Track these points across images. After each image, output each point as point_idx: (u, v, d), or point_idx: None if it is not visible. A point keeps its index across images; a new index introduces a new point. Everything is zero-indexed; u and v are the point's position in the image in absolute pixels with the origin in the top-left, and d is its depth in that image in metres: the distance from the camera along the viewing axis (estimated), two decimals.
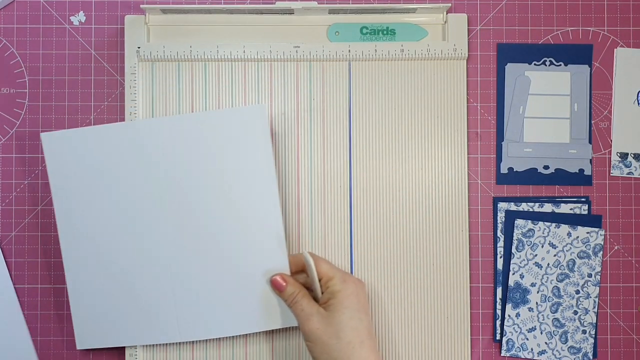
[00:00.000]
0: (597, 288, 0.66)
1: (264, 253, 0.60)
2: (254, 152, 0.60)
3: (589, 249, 0.66)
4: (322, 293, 0.59)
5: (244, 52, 0.65)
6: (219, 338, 0.64)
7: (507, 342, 0.65)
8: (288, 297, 0.59)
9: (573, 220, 0.66)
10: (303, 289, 0.59)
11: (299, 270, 0.61)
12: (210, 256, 0.61)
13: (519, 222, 0.66)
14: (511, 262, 0.66)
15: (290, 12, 0.65)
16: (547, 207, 0.66)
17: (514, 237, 0.66)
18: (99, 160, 0.61)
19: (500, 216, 0.66)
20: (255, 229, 0.60)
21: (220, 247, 0.61)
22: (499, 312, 0.66)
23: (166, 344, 0.64)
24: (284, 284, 0.59)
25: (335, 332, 0.56)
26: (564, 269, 0.66)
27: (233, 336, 0.64)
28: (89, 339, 0.62)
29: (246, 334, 0.64)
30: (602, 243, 0.66)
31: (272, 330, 0.64)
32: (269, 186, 0.60)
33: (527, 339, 0.65)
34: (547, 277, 0.66)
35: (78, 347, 0.62)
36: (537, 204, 0.66)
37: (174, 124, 0.61)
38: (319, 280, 0.59)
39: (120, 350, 0.65)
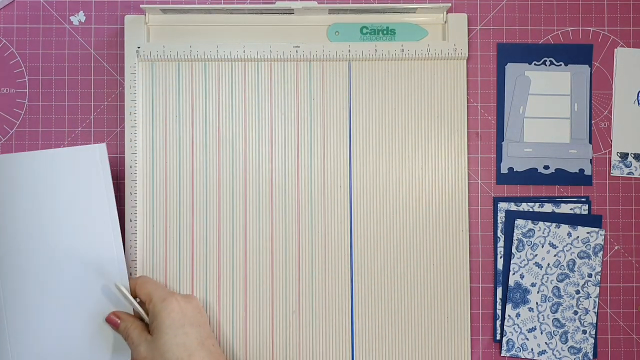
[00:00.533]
0: (597, 288, 0.66)
1: (106, 291, 0.60)
2: (92, 192, 0.60)
3: (589, 249, 0.66)
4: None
5: (244, 52, 0.65)
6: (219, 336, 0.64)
7: (507, 342, 0.65)
8: (122, 332, 0.59)
9: (573, 220, 0.66)
10: (136, 321, 0.59)
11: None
12: (49, 294, 0.60)
13: (519, 222, 0.66)
14: (511, 262, 0.66)
15: (290, 12, 0.65)
16: (547, 207, 0.66)
17: (514, 237, 0.66)
18: None
19: (501, 216, 0.66)
20: (94, 267, 0.60)
21: (59, 283, 0.60)
22: (499, 312, 0.66)
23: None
24: (118, 320, 0.59)
25: (161, 354, 0.56)
26: (564, 269, 0.66)
27: (233, 336, 0.64)
28: None
29: (245, 335, 0.64)
30: (602, 243, 0.66)
31: (272, 329, 0.64)
32: (110, 226, 0.60)
33: (527, 339, 0.65)
34: (547, 277, 0.66)
35: None
36: (537, 204, 0.66)
37: (10, 161, 0.59)
38: (146, 304, 0.59)
39: None
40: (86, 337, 0.60)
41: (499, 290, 0.66)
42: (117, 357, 0.61)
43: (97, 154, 0.60)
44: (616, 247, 0.67)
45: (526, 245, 0.66)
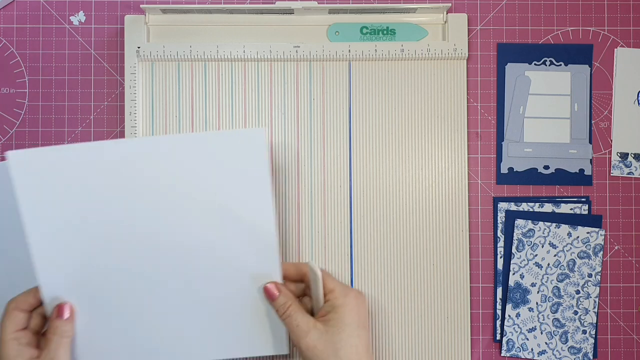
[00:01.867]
0: (597, 288, 0.66)
1: (258, 267, 0.57)
2: (250, 176, 0.56)
3: (589, 249, 0.66)
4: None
5: (244, 52, 0.65)
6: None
7: (507, 342, 0.65)
8: (280, 308, 0.56)
9: (573, 220, 0.66)
10: (296, 302, 0.57)
11: (295, 279, 0.59)
12: (199, 278, 0.57)
13: (519, 222, 0.66)
14: (511, 262, 0.66)
15: (290, 12, 0.65)
16: (547, 207, 0.66)
17: (514, 237, 0.66)
18: (79, 181, 0.55)
19: (501, 216, 0.66)
20: (248, 247, 0.57)
21: (210, 267, 0.57)
22: (499, 312, 0.66)
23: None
24: (277, 292, 0.56)
25: (334, 350, 0.54)
26: (564, 269, 0.66)
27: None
28: None
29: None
30: (603, 243, 0.66)
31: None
32: (265, 206, 0.56)
33: (527, 339, 0.65)
34: (547, 277, 0.66)
35: None
36: (537, 204, 0.66)
37: (168, 143, 0.56)
38: (326, 294, 0.57)
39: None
40: (246, 321, 0.58)
41: (499, 290, 0.66)
42: (278, 344, 0.59)
43: (256, 137, 0.55)
44: (616, 247, 0.67)
45: (526, 245, 0.66)
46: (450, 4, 0.65)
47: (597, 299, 0.66)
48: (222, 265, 0.57)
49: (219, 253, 0.57)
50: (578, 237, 0.66)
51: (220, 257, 0.57)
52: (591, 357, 0.65)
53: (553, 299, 0.65)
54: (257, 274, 0.58)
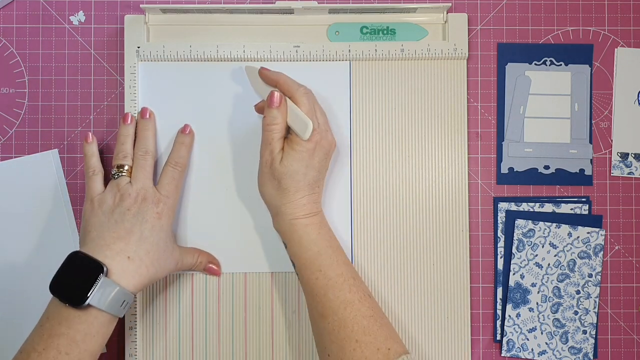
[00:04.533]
0: (598, 288, 0.66)
1: None
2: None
3: (590, 249, 0.66)
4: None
5: (244, 52, 0.65)
6: (218, 333, 0.64)
7: (507, 343, 0.65)
8: (269, 120, 0.58)
9: (573, 220, 0.66)
10: (284, 129, 0.59)
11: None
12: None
13: (519, 222, 0.66)
14: (511, 262, 0.66)
15: (290, 11, 0.65)
16: (548, 207, 0.66)
17: (515, 237, 0.66)
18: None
19: (501, 216, 0.66)
20: None
21: None
22: (499, 312, 0.66)
23: (166, 338, 0.64)
24: (278, 103, 0.58)
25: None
26: (565, 269, 0.65)
27: (233, 334, 0.64)
28: None
29: (245, 332, 0.64)
30: (603, 243, 0.66)
31: (272, 328, 0.64)
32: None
33: (528, 339, 0.65)
34: (548, 278, 0.65)
35: None
36: (537, 204, 0.66)
37: None
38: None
39: (120, 349, 0.65)
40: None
41: (499, 291, 0.66)
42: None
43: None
44: (616, 247, 0.66)
45: (526, 245, 0.66)
46: (450, 4, 0.65)
47: (597, 299, 0.65)
48: None
49: None
50: (578, 237, 0.66)
51: None
52: (591, 357, 0.65)
53: (553, 299, 0.65)
54: None
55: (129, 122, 0.63)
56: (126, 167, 0.60)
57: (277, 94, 0.59)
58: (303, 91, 0.59)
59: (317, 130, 0.58)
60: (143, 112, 0.64)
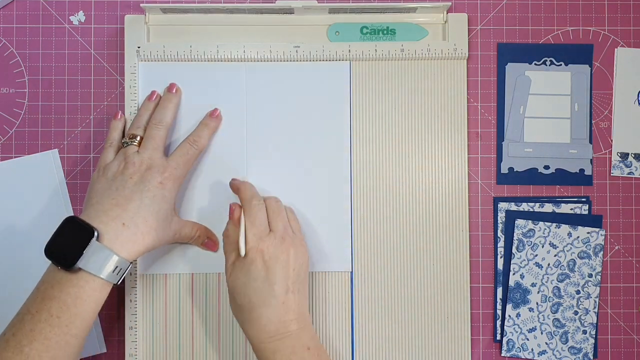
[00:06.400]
0: (598, 288, 0.66)
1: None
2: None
3: (590, 249, 0.66)
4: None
5: (244, 52, 0.65)
6: (219, 333, 0.64)
7: (507, 343, 0.65)
8: (224, 232, 0.58)
9: (573, 220, 0.66)
10: (236, 242, 0.57)
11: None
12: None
13: (519, 222, 0.66)
14: (511, 262, 0.66)
15: (290, 11, 0.65)
16: (548, 207, 0.66)
17: (515, 237, 0.66)
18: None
19: (501, 216, 0.66)
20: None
21: None
22: (499, 312, 0.66)
23: (166, 338, 0.64)
24: (232, 216, 0.58)
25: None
26: (565, 269, 0.66)
27: (233, 334, 0.64)
28: None
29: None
30: (603, 243, 0.66)
31: None
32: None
33: (528, 339, 0.65)
34: (548, 277, 0.65)
35: None
36: (537, 204, 0.66)
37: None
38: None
39: (121, 348, 0.65)
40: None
41: (499, 291, 0.66)
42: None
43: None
44: (616, 247, 0.66)
45: (526, 245, 0.66)
46: (450, 4, 0.65)
47: (597, 299, 0.65)
48: None
49: None
50: (578, 237, 0.66)
51: None
52: (591, 357, 0.65)
53: (553, 299, 0.65)
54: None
55: (153, 98, 0.63)
56: (138, 138, 0.60)
57: (232, 207, 0.58)
58: (255, 203, 0.58)
59: (264, 241, 0.56)
60: (171, 86, 0.64)
